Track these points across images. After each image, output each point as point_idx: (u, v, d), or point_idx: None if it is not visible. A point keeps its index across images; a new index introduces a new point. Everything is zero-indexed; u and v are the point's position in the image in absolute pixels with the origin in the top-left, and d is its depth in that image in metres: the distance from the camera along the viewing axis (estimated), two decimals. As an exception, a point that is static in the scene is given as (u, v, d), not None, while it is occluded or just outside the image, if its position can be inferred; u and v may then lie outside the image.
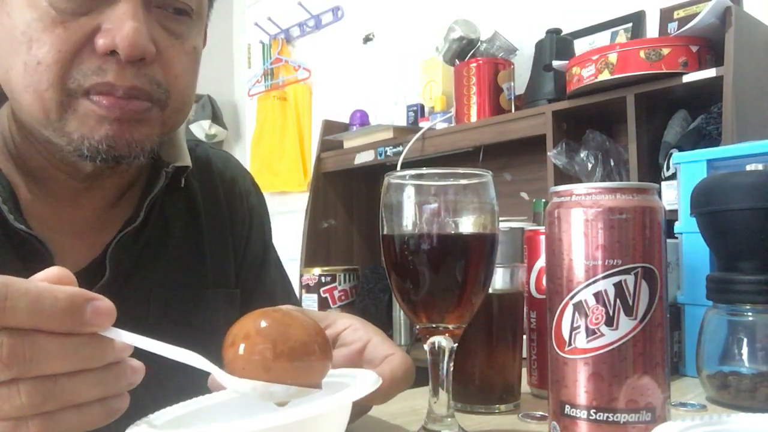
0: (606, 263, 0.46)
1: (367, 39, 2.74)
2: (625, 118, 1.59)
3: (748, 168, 0.67)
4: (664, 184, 1.49)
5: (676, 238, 0.79)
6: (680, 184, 0.80)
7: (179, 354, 0.40)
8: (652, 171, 1.60)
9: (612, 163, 1.73)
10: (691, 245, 0.77)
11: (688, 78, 1.46)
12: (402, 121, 2.38)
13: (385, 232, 0.52)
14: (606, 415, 0.45)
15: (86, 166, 0.65)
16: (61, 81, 0.59)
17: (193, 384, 0.48)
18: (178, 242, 0.75)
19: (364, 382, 0.42)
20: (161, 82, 0.64)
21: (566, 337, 0.47)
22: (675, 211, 0.79)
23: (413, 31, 2.52)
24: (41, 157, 0.66)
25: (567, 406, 0.47)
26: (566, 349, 0.47)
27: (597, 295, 0.46)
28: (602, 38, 1.88)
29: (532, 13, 2.12)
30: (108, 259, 0.67)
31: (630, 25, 1.84)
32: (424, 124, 2.15)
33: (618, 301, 0.45)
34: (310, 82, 3.00)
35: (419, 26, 2.49)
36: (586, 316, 0.46)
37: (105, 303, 0.38)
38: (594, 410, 0.46)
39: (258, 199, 0.89)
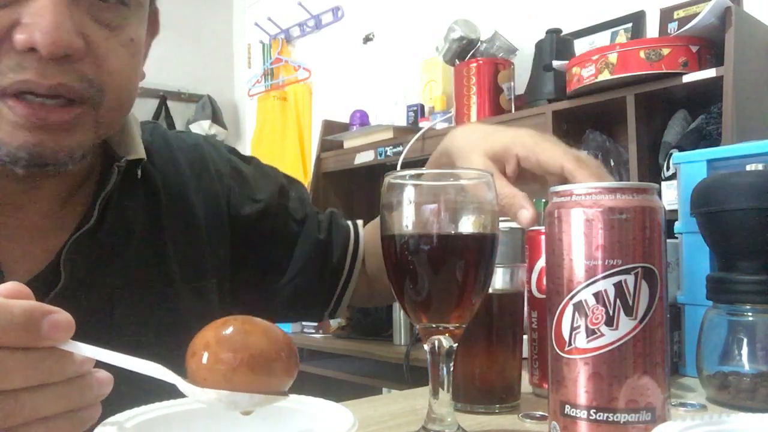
0: (606, 263, 0.46)
1: (367, 39, 2.74)
2: (625, 118, 1.59)
3: (748, 168, 0.67)
4: (664, 184, 1.49)
5: (676, 238, 0.79)
6: (680, 184, 0.79)
7: (142, 366, 0.40)
8: (652, 171, 1.60)
9: (612, 163, 1.73)
10: (691, 245, 0.77)
11: (688, 78, 1.46)
12: (402, 121, 2.38)
13: (385, 233, 0.52)
14: (606, 415, 0.45)
15: (15, 169, 0.58)
16: None
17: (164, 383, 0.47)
18: (140, 239, 0.70)
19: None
20: (93, 78, 0.58)
21: (566, 337, 0.47)
22: (675, 211, 0.79)
23: (413, 31, 2.52)
24: None
25: (567, 406, 0.47)
26: (566, 349, 0.47)
27: (597, 295, 0.46)
28: (602, 38, 1.89)
29: (532, 13, 2.12)
30: (62, 263, 0.63)
31: (630, 25, 1.85)
32: (424, 124, 2.15)
33: (618, 301, 0.45)
34: (310, 82, 3.00)
35: (419, 26, 2.49)
36: (586, 316, 0.46)
37: (62, 316, 0.37)
38: (594, 410, 0.46)
39: (241, 162, 0.84)
